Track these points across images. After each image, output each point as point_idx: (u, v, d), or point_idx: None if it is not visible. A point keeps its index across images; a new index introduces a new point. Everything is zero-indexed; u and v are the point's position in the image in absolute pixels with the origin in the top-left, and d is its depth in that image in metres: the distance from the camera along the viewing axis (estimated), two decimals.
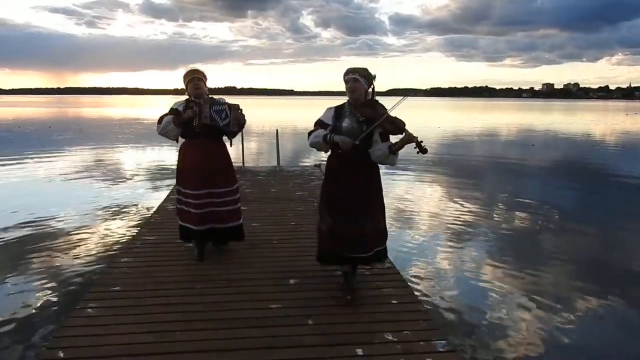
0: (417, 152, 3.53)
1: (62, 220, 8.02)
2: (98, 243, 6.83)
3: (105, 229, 7.58)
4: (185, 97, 4.53)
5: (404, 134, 3.51)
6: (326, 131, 3.68)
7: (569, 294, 5.29)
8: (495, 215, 8.83)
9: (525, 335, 4.39)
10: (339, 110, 3.73)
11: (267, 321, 3.49)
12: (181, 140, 4.59)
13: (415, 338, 3.26)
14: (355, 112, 3.64)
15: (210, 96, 4.51)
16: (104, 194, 10.27)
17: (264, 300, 3.82)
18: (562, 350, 4.16)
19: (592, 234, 7.86)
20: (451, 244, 7.02)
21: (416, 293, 4.50)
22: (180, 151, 4.61)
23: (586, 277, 5.82)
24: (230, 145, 4.72)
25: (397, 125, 3.55)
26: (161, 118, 4.49)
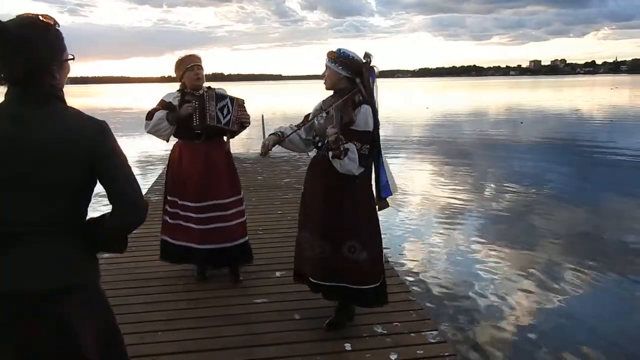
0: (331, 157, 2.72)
1: None
2: None
3: None
4: (177, 87, 3.77)
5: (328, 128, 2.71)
6: (286, 125, 3.16)
7: (562, 272, 5.24)
8: (485, 195, 8.77)
9: (519, 316, 4.32)
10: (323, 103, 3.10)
11: (253, 317, 3.37)
12: (172, 139, 3.82)
13: (405, 330, 3.17)
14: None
15: (211, 87, 3.74)
16: None
17: (249, 295, 3.70)
18: (558, 330, 4.09)
19: (582, 210, 7.81)
20: (441, 226, 6.93)
21: (406, 282, 4.40)
22: (172, 153, 3.81)
23: (578, 253, 5.78)
24: (225, 149, 3.82)
25: (335, 120, 2.69)
26: (151, 113, 3.61)
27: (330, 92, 3.01)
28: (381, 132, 2.99)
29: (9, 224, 1.50)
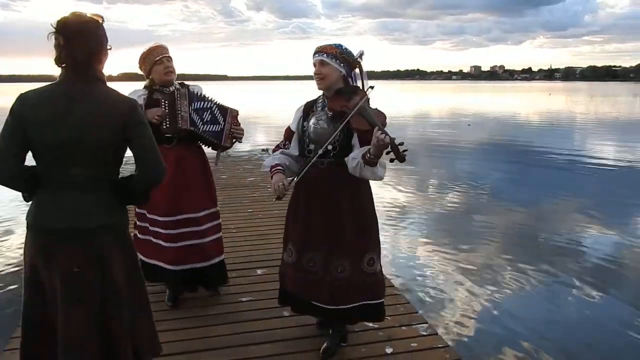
0: (392, 160, 2.41)
1: None
2: None
3: None
4: (143, 83, 3.34)
5: (375, 133, 2.37)
6: (277, 155, 2.80)
7: (500, 270, 5.39)
8: (429, 196, 8.92)
9: (459, 311, 4.42)
10: (308, 106, 2.78)
11: (240, 316, 3.30)
12: None
13: (396, 323, 3.19)
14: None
15: (184, 84, 3.32)
16: None
17: (233, 294, 3.62)
18: (495, 325, 4.19)
19: (519, 210, 8.07)
20: (385, 227, 6.84)
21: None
22: None
23: (515, 251, 5.95)
24: (216, 164, 3.51)
25: (368, 121, 2.46)
26: None
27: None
28: None
29: (68, 174, 1.91)
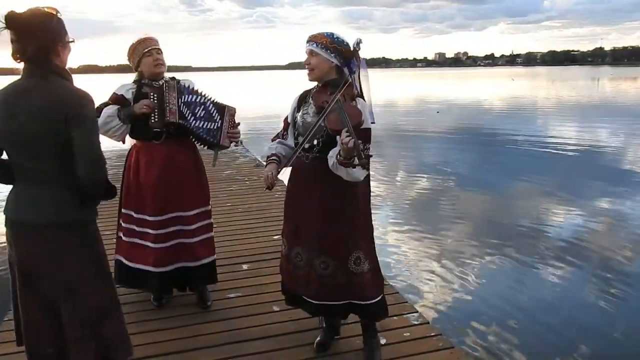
0: (355, 166, 2.25)
1: None
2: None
3: None
4: (132, 77, 3.21)
5: (342, 135, 2.25)
6: (274, 145, 2.73)
7: (467, 254, 5.50)
8: (397, 184, 9.01)
9: (428, 295, 4.52)
10: (302, 97, 2.67)
11: (230, 313, 3.27)
12: (130, 140, 3.20)
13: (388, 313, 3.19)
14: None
15: (174, 78, 3.18)
16: None
17: (220, 290, 3.56)
18: (463, 308, 4.29)
19: (484, 195, 8.28)
20: None
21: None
22: (129, 157, 3.22)
23: (481, 235, 6.08)
24: (213, 165, 3.34)
25: (340, 120, 2.30)
26: (99, 109, 2.91)
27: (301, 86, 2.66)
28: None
29: (24, 168, 1.97)
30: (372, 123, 2.55)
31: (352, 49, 2.53)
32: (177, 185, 3.11)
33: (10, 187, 2.07)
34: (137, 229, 3.16)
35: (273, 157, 2.66)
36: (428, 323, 3.16)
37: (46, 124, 1.89)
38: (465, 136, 15.17)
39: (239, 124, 3.24)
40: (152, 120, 3.00)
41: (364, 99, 2.56)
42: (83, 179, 1.96)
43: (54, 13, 1.93)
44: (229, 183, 6.93)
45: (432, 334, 2.99)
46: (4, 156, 2.04)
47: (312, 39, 2.52)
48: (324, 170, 2.45)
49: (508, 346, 3.71)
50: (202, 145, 3.20)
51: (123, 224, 3.22)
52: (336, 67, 2.54)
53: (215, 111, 3.12)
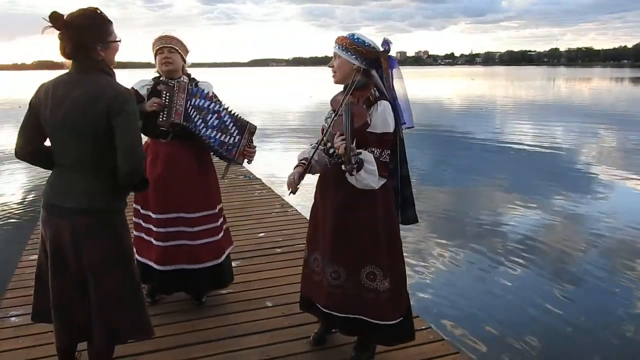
0: (344, 171, 2.25)
1: None
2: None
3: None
4: (154, 73, 3.20)
5: (335, 138, 2.28)
6: (308, 149, 2.66)
7: (429, 250, 5.65)
8: None
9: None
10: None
11: (224, 308, 3.33)
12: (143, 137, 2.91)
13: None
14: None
15: (192, 78, 3.20)
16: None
17: None
18: (424, 305, 4.31)
19: (445, 193, 8.50)
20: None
21: None
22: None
23: (442, 232, 6.25)
24: (223, 177, 3.35)
25: (341, 123, 2.27)
26: None
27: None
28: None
29: (63, 155, 2.14)
30: (408, 127, 2.51)
31: (381, 49, 2.41)
32: (180, 185, 3.11)
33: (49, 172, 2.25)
34: (143, 224, 3.22)
35: (302, 161, 2.58)
36: (417, 317, 3.26)
37: (87, 117, 2.04)
38: (425, 134, 15.43)
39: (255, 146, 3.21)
40: (160, 119, 3.01)
41: (389, 101, 2.43)
42: (122, 169, 2.07)
43: (94, 15, 2.09)
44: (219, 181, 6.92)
45: (423, 327, 3.11)
46: (47, 143, 2.19)
47: (335, 41, 2.46)
48: (341, 175, 2.33)
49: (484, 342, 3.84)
50: (212, 154, 3.21)
51: (134, 218, 3.27)
52: (363, 70, 2.42)
53: (232, 124, 3.08)
